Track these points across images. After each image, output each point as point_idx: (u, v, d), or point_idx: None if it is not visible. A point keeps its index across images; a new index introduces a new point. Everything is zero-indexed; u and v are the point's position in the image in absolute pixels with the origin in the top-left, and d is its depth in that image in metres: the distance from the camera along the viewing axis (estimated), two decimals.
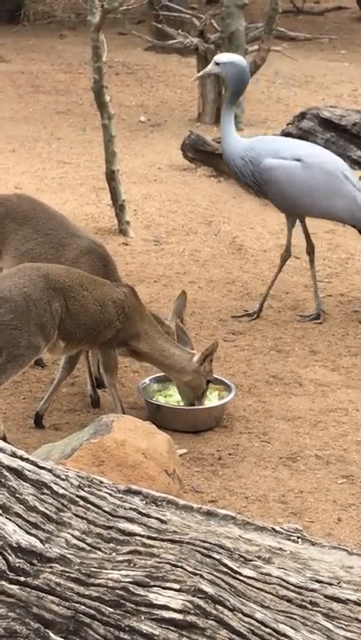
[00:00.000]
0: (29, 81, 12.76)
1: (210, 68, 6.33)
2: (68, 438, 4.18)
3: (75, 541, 2.37)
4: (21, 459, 2.51)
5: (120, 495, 2.54)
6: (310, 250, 6.35)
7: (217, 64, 6.23)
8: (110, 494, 2.53)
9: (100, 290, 4.79)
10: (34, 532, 2.36)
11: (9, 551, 2.29)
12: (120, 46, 14.17)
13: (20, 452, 2.54)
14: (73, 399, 5.22)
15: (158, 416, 4.93)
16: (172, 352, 4.89)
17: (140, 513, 2.48)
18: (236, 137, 6.29)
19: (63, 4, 17.23)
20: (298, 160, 6.20)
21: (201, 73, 6.99)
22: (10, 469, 2.45)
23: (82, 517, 2.43)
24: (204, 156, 9.13)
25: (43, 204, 5.61)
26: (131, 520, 2.45)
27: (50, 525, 2.39)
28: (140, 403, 5.15)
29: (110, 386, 4.91)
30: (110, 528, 2.42)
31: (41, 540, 2.34)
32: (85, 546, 2.37)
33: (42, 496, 2.43)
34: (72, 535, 2.38)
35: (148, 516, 2.47)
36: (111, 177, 7.61)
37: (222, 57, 6.37)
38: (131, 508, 2.48)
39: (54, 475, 2.50)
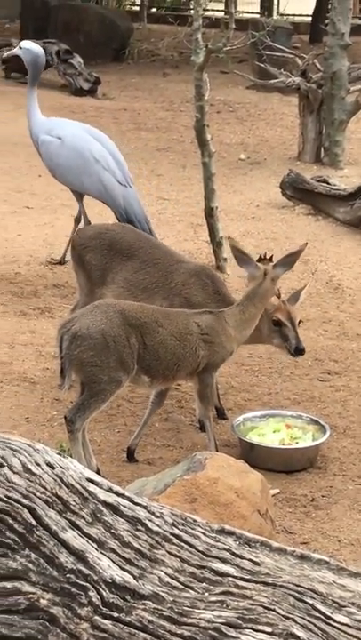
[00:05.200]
0: (132, 118, 12.95)
1: (14, 50, 7.63)
2: (162, 474, 4.19)
3: (168, 579, 2.38)
4: (117, 494, 2.52)
5: (213, 535, 2.54)
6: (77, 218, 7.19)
7: (20, 48, 7.50)
8: (204, 533, 2.53)
9: (176, 324, 4.77)
10: (128, 567, 2.37)
11: (103, 586, 2.31)
12: (222, 84, 14.28)
13: (116, 488, 2.55)
14: (166, 434, 5.24)
15: (252, 455, 4.91)
16: (249, 316, 4.87)
17: (233, 554, 2.47)
18: (40, 116, 7.30)
19: (167, 43, 17.46)
20: (59, 138, 7.18)
21: (6, 54, 7.90)
22: (106, 504, 2.46)
23: (175, 555, 2.44)
24: (302, 194, 9.13)
25: (145, 234, 5.70)
26: (224, 560, 2.44)
27: (143, 562, 2.40)
28: (234, 440, 5.14)
29: (205, 418, 4.91)
30: (203, 567, 2.42)
31: (134, 577, 2.35)
32: (178, 584, 2.37)
33: (136, 532, 2.44)
34: (165, 573, 2.39)
35: (241, 557, 2.47)
36: (210, 214, 7.66)
37: (24, 43, 7.62)
38: (224, 549, 2.48)
39: (149, 511, 2.51)
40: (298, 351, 5.06)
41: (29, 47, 7.44)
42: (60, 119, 7.75)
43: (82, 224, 7.20)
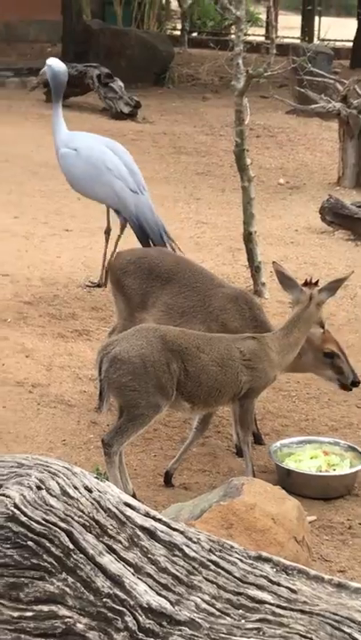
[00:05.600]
0: (172, 142, 13.00)
1: (43, 69, 7.79)
2: (198, 499, 4.17)
3: (204, 605, 2.37)
4: (154, 519, 2.52)
5: (250, 561, 2.52)
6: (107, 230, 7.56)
7: (46, 65, 7.70)
8: (241, 560, 2.52)
9: (218, 350, 4.75)
10: (164, 593, 2.36)
11: (140, 611, 2.30)
12: (262, 109, 14.32)
13: (153, 513, 2.55)
14: (203, 459, 5.22)
15: (289, 481, 4.89)
16: (293, 341, 4.84)
17: (270, 581, 2.46)
18: (63, 131, 7.53)
19: (207, 67, 17.54)
20: (75, 150, 7.45)
21: (37, 77, 8.18)
22: (143, 529, 2.46)
23: (212, 582, 2.43)
24: (342, 219, 9.12)
25: (183, 257, 5.72)
26: (261, 587, 2.43)
27: (180, 588, 2.39)
28: (271, 466, 5.12)
29: (244, 443, 4.89)
30: (240, 594, 2.41)
31: (171, 602, 2.35)
32: (215, 611, 2.36)
33: (173, 558, 2.44)
34: (202, 599, 2.38)
35: (278, 584, 2.45)
36: (248, 238, 7.66)
37: (49, 60, 7.76)
38: (261, 576, 2.46)
39: (186, 537, 2.51)
40: (354, 384, 5.03)
41: (50, 64, 7.66)
42: (80, 133, 7.94)
43: (115, 232, 7.47)
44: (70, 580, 2.35)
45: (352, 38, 20.45)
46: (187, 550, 2.47)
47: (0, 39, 21.85)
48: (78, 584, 2.34)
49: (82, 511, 2.44)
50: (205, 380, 4.67)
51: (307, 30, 22.14)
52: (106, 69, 14.76)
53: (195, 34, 23.16)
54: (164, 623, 2.31)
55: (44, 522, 2.40)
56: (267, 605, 2.38)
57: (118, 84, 14.56)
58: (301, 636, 2.28)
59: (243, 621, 2.34)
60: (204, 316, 5.29)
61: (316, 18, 22.53)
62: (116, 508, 2.49)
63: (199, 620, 2.32)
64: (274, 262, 5.07)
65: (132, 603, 2.31)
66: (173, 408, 4.76)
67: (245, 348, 4.78)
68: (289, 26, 22.53)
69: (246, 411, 4.81)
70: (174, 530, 2.52)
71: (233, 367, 4.73)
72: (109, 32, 17.73)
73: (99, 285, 7.49)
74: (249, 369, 4.75)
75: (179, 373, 4.61)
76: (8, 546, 2.40)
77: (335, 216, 9.15)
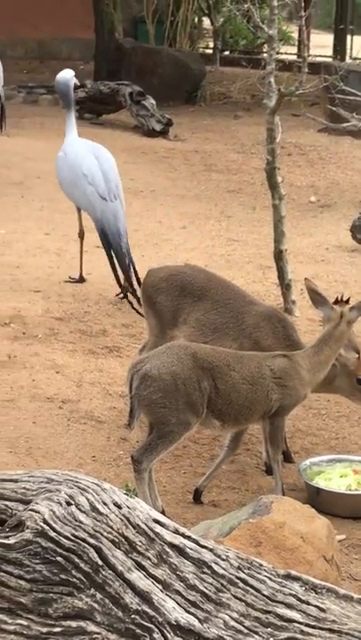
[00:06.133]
0: (203, 159, 13.03)
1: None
2: (227, 516, 4.16)
3: (233, 623, 2.36)
4: (183, 536, 2.52)
5: (279, 580, 2.52)
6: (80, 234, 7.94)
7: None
8: (270, 578, 2.51)
9: (249, 368, 4.75)
10: (192, 610, 2.36)
11: (168, 628, 2.30)
12: (293, 127, 14.32)
13: (183, 530, 2.55)
14: (232, 476, 5.21)
15: (318, 500, 4.87)
16: (324, 359, 4.83)
17: (299, 599, 2.45)
18: (69, 138, 7.91)
19: (239, 85, 17.59)
20: (65, 154, 7.83)
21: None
22: (172, 546, 2.46)
23: (240, 599, 2.42)
24: None
25: (215, 274, 5.72)
26: (290, 606, 2.43)
27: (208, 605, 2.39)
28: (300, 484, 5.10)
29: (274, 461, 4.88)
30: (269, 612, 2.40)
31: (199, 620, 2.34)
32: (243, 628, 2.36)
33: (202, 575, 2.44)
34: (230, 617, 2.38)
35: (307, 603, 2.44)
36: (279, 256, 7.66)
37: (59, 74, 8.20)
38: (290, 594, 2.46)
39: (215, 554, 2.51)
40: None
41: (57, 76, 8.17)
42: (78, 139, 8.15)
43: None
44: (99, 595, 2.35)
45: None
46: (215, 567, 2.47)
47: (33, 57, 22.02)
48: (107, 600, 2.35)
49: (111, 527, 2.45)
50: (236, 398, 4.66)
51: (339, 49, 22.13)
52: (138, 87, 14.83)
53: (227, 52, 23.23)
54: None
55: (73, 537, 2.41)
56: (295, 624, 2.38)
57: (150, 101, 14.62)
58: None
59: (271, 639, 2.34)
60: (237, 334, 5.29)
61: (349, 36, 22.51)
62: (145, 524, 2.49)
63: (227, 638, 2.32)
64: (306, 279, 5.07)
65: (160, 619, 2.31)
66: (203, 425, 4.76)
67: (276, 366, 4.77)
68: (321, 44, 22.54)
69: (277, 428, 4.80)
70: (203, 547, 2.52)
71: (264, 385, 4.72)
72: (141, 50, 17.81)
73: (79, 281, 7.96)
74: (280, 387, 4.74)
75: (209, 391, 4.61)
76: (37, 561, 2.40)
77: None
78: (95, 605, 2.34)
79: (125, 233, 7.56)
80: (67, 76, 8.08)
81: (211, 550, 2.51)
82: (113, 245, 7.50)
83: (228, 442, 4.95)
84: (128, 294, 7.37)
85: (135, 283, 7.25)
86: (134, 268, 7.42)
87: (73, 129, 7.95)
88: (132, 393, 4.56)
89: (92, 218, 7.68)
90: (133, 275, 7.36)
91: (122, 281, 7.46)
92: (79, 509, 2.46)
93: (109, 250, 7.51)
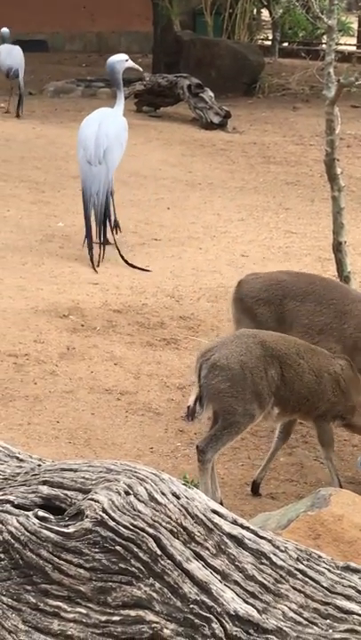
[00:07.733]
0: (261, 152, 12.99)
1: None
2: (285, 509, 4.15)
3: (291, 614, 2.35)
4: (242, 527, 2.51)
5: (339, 572, 2.50)
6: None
7: None
8: (329, 570, 2.50)
9: (317, 359, 4.75)
10: (251, 601, 2.36)
11: (226, 619, 2.30)
12: (353, 119, 14.23)
13: (241, 521, 2.54)
14: (290, 469, 5.20)
15: None
16: None
17: (358, 591, 2.43)
18: (108, 110, 8.54)
19: (298, 77, 17.49)
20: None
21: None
22: (230, 537, 2.46)
23: (299, 591, 2.41)
24: None
25: (316, 275, 5.63)
26: (349, 598, 2.41)
27: (267, 596, 2.38)
28: (359, 478, 5.07)
29: (327, 459, 4.87)
30: (328, 604, 2.39)
31: (258, 610, 2.34)
32: (302, 620, 2.35)
33: (261, 566, 2.43)
34: (289, 608, 2.37)
35: None
36: (338, 248, 7.59)
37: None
38: (349, 586, 2.44)
39: (274, 545, 2.50)
40: None
41: (108, 60, 8.89)
42: (105, 109, 8.78)
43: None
44: (157, 585, 2.35)
45: None
46: (274, 559, 2.46)
47: (92, 50, 22.10)
48: (165, 590, 2.35)
49: (169, 517, 2.45)
50: (299, 387, 4.66)
51: None
52: (196, 80, 14.82)
53: (285, 43, 23.12)
54: (251, 631, 2.30)
55: (131, 527, 2.41)
56: (355, 616, 2.36)
57: (208, 94, 14.60)
58: None
59: (330, 631, 2.33)
60: (340, 334, 5.23)
61: None
62: (204, 514, 2.48)
63: (286, 629, 2.31)
64: None
65: (219, 610, 2.31)
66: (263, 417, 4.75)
67: (343, 367, 4.78)
68: None
69: (324, 431, 4.80)
70: (262, 538, 2.51)
71: (326, 380, 4.72)
72: (200, 43, 17.79)
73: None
74: (338, 389, 4.74)
75: (276, 379, 4.60)
76: (97, 550, 2.41)
77: None
78: (154, 595, 2.34)
79: (107, 193, 8.23)
80: (115, 59, 8.79)
81: (269, 541, 2.50)
82: (89, 204, 8.22)
83: (279, 432, 4.95)
84: (103, 246, 8.18)
85: (110, 237, 8.31)
86: (112, 226, 8.41)
87: (118, 106, 8.53)
88: (201, 382, 4.55)
89: (81, 179, 8.39)
90: (107, 230, 8.29)
91: (93, 235, 8.21)
92: (138, 499, 2.46)
93: (86, 208, 8.24)
